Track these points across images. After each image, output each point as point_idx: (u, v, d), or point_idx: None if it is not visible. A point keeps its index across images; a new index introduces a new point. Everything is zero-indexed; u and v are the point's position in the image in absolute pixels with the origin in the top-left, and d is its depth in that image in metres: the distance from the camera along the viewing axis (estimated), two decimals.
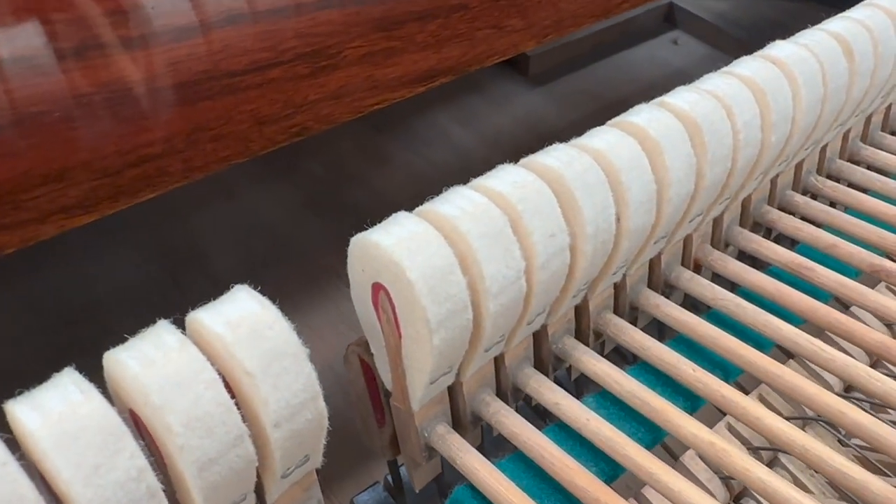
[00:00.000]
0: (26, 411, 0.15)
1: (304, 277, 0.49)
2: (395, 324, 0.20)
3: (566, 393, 0.24)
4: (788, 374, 0.24)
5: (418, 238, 0.19)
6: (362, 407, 0.24)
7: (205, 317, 0.17)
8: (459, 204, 0.20)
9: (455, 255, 0.19)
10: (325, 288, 0.49)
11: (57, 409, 0.15)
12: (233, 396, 0.17)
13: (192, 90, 0.21)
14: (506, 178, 0.20)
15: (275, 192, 0.58)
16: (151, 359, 0.16)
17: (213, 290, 0.25)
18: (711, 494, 0.25)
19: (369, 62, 0.24)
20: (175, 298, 0.34)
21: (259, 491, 0.19)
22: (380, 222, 0.27)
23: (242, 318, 0.17)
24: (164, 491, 0.16)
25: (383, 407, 0.24)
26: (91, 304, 0.33)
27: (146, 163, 0.21)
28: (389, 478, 0.26)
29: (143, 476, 0.15)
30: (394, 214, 0.20)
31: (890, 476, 0.24)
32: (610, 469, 0.23)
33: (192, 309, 0.17)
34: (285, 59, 0.22)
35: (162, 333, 0.17)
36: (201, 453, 0.16)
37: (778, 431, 0.22)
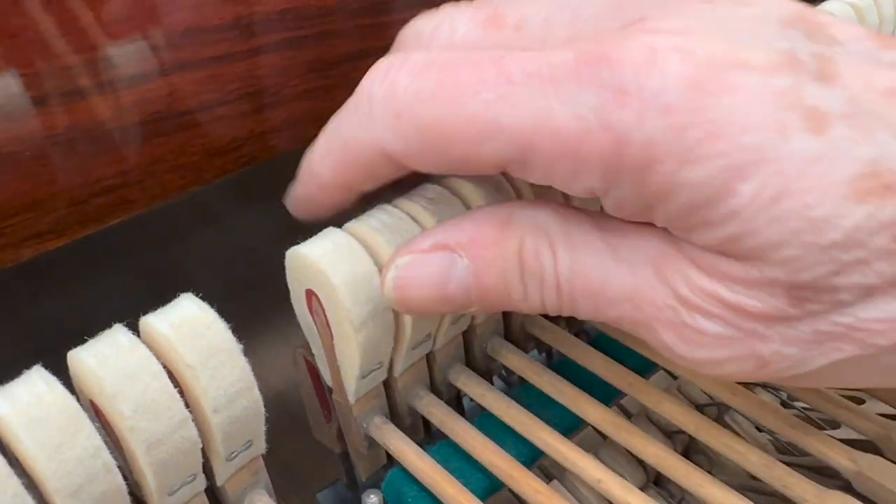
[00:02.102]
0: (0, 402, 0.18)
1: (284, 296, 0.52)
2: (327, 325, 0.22)
3: (490, 385, 0.27)
4: None
5: (342, 249, 0.21)
6: (311, 405, 0.27)
7: (153, 320, 0.20)
8: (380, 217, 0.23)
9: (375, 262, 0.22)
10: None
11: (25, 398, 0.18)
12: (177, 387, 0.20)
13: (148, 128, 0.24)
14: (421, 191, 0.24)
15: (256, 219, 0.60)
16: (106, 355, 0.19)
17: None
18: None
19: (309, 98, 0.27)
20: None
21: (209, 473, 0.22)
22: None
23: (184, 319, 0.20)
24: (119, 468, 0.19)
25: (329, 403, 0.26)
26: (84, 328, 0.36)
27: (110, 192, 0.24)
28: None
29: (98, 453, 0.18)
30: (324, 230, 0.23)
31: None
32: (529, 452, 0.26)
33: None
34: (230, 99, 0.25)
35: (116, 335, 0.20)
36: (149, 435, 0.19)
37: None
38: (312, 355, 0.25)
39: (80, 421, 0.18)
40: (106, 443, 0.19)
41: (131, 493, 0.20)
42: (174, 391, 0.19)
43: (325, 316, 0.22)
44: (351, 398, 0.24)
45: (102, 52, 0.22)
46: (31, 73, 0.21)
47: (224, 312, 0.27)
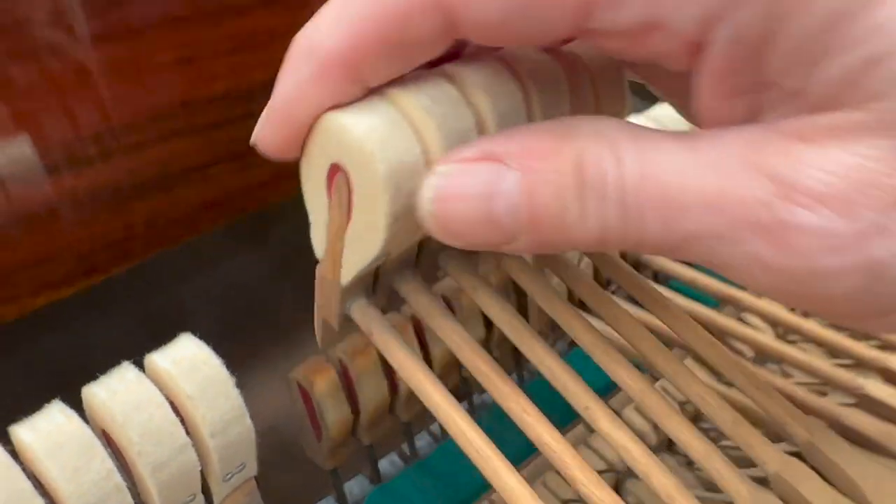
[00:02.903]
0: (24, 431, 0.21)
1: (276, 333, 0.54)
2: (347, 208, 0.19)
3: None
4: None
5: (391, 128, 0.17)
6: (304, 424, 0.30)
7: (156, 357, 0.23)
8: (430, 93, 0.18)
9: (422, 151, 0.18)
10: (294, 340, 0.54)
11: (46, 427, 0.21)
12: (178, 416, 0.22)
13: (147, 187, 0.27)
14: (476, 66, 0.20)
15: (249, 260, 0.63)
16: (115, 389, 0.22)
17: None
18: None
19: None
20: None
21: (207, 493, 0.25)
22: None
23: (184, 356, 0.23)
24: (129, 489, 0.22)
25: (319, 423, 0.29)
26: (86, 366, 0.38)
27: (113, 246, 0.27)
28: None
29: (111, 476, 0.21)
30: (368, 100, 0.18)
31: None
32: None
33: None
34: (222, 159, 0.29)
35: (124, 371, 0.23)
36: (154, 458, 0.22)
37: None
38: (307, 381, 0.28)
39: (94, 448, 0.21)
40: (117, 467, 0.21)
41: None
42: (176, 419, 0.22)
43: (350, 198, 0.18)
44: (344, 281, 0.21)
45: (107, 125, 0.25)
46: (45, 146, 0.24)
47: (219, 349, 0.30)
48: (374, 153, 0.17)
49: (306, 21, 0.16)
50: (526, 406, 0.21)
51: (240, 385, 0.24)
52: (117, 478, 0.21)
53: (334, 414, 0.29)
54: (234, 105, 0.27)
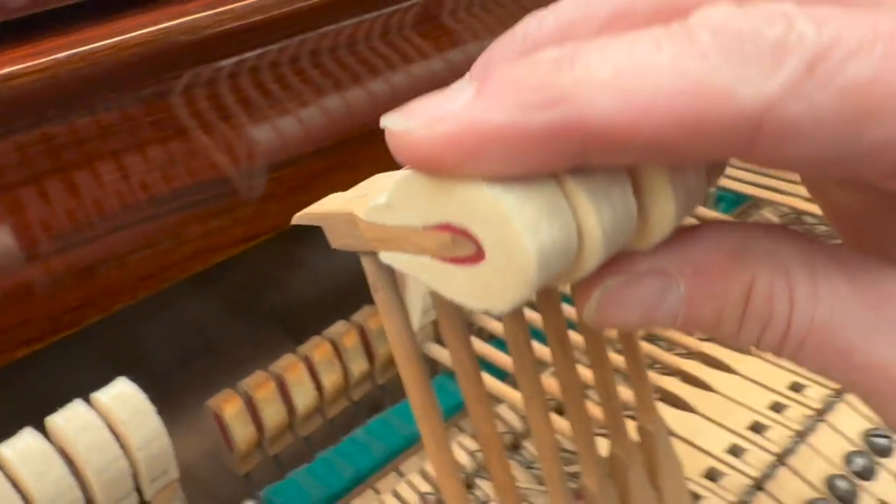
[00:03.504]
0: (3, 448, 0.30)
1: (228, 368, 0.64)
2: (456, 263, 0.16)
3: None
4: None
5: (543, 202, 0.15)
6: (220, 440, 0.40)
7: (99, 394, 0.32)
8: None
9: (575, 225, 0.15)
10: (246, 374, 0.64)
11: (20, 446, 0.30)
12: (115, 436, 0.32)
13: (102, 268, 0.37)
14: None
15: (204, 299, 0.73)
16: (68, 417, 0.31)
17: (153, 382, 0.41)
18: None
19: (207, 237, 0.40)
20: None
21: (140, 492, 0.34)
22: (294, 320, 0.42)
23: (119, 393, 0.32)
24: (80, 488, 0.31)
25: (229, 437, 0.39)
26: (55, 402, 0.48)
27: (79, 307, 0.37)
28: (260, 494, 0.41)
29: (66, 478, 0.31)
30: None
31: None
32: None
33: None
34: (155, 243, 0.38)
35: (76, 405, 0.32)
36: (96, 465, 0.31)
37: None
38: (218, 408, 0.38)
39: (54, 459, 0.30)
40: (70, 472, 0.31)
41: None
42: (112, 438, 0.32)
43: (470, 261, 0.16)
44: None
45: (71, 225, 0.35)
46: (30, 238, 0.34)
47: (176, 384, 0.40)
48: (521, 233, 0.14)
49: None
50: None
51: (195, 413, 0.33)
52: (71, 480, 0.31)
53: (241, 433, 0.38)
54: (162, 203, 0.37)
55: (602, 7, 0.15)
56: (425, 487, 0.40)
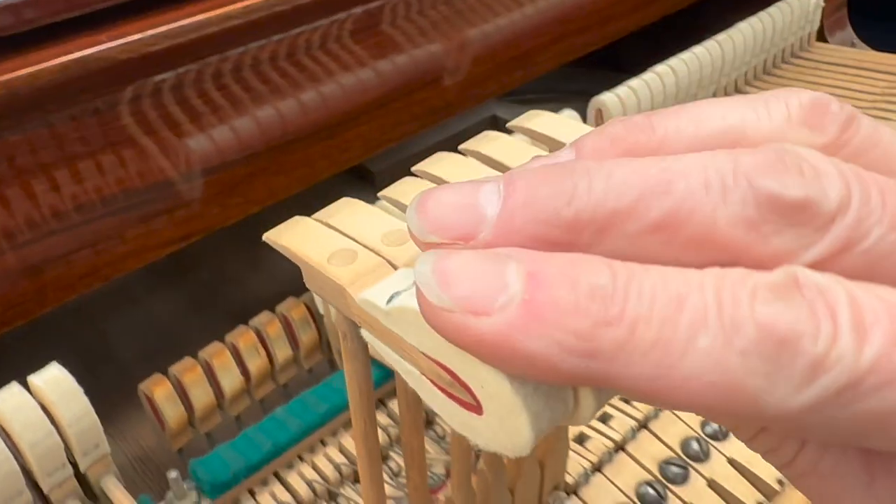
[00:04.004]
0: None
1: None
2: (452, 400, 0.16)
3: None
4: None
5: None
6: (154, 419, 0.44)
7: (33, 377, 0.37)
8: None
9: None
10: None
11: None
12: (48, 414, 0.36)
13: (52, 265, 0.41)
14: None
15: (168, 297, 0.77)
16: (4, 398, 0.36)
17: (120, 376, 0.45)
18: None
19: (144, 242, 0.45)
20: (90, 384, 0.42)
21: (76, 465, 0.39)
22: (254, 317, 0.47)
23: (51, 376, 0.37)
24: (17, 461, 0.36)
25: (160, 416, 0.43)
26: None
27: (22, 303, 0.41)
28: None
29: (3, 451, 0.35)
30: None
31: None
32: None
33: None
34: (92, 244, 0.43)
35: (12, 387, 0.36)
36: (30, 440, 0.36)
37: None
38: (149, 391, 0.42)
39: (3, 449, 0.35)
40: (8, 447, 0.35)
41: (27, 476, 0.36)
42: (44, 415, 0.36)
43: (464, 405, 0.16)
44: None
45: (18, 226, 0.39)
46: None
47: (141, 375, 0.45)
48: (523, 415, 0.14)
49: None
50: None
51: None
52: (8, 453, 0.35)
53: (171, 413, 0.43)
54: (94, 209, 0.42)
55: (660, 130, 0.15)
56: (341, 459, 0.44)
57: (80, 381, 0.37)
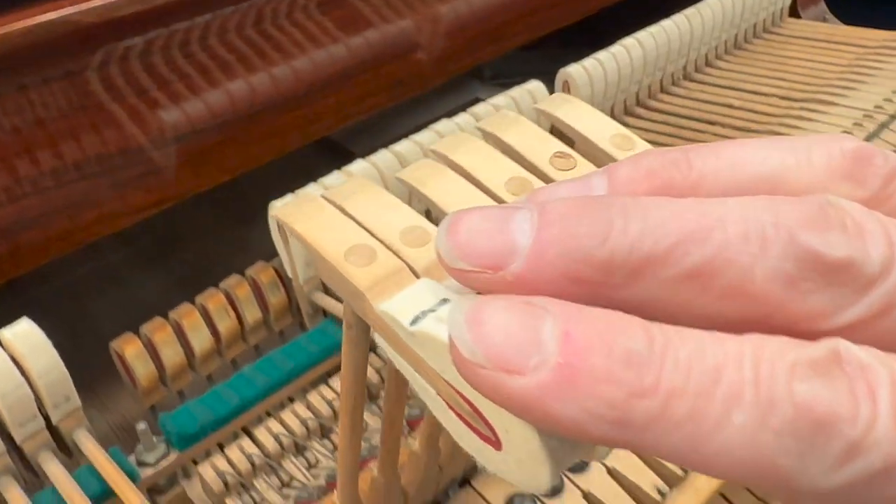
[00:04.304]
0: None
1: None
2: (462, 421, 0.16)
3: None
4: None
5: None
6: (126, 377, 0.45)
7: (4, 331, 0.38)
8: None
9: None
10: None
11: None
12: (19, 367, 0.38)
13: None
14: None
15: (155, 278, 0.79)
16: None
17: (104, 351, 0.46)
18: None
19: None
20: (78, 362, 0.43)
21: (48, 417, 0.40)
22: None
23: (20, 330, 0.38)
24: None
25: (131, 372, 0.44)
26: None
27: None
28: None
29: None
30: None
31: None
32: None
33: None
34: (64, 207, 0.44)
35: None
36: (3, 392, 0.37)
37: None
38: (119, 349, 0.44)
39: None
40: None
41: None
42: (13, 367, 0.37)
43: (483, 437, 0.16)
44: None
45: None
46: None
47: None
48: (545, 464, 0.14)
49: None
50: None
51: None
52: None
53: (141, 371, 0.44)
54: (60, 174, 0.43)
55: (696, 168, 0.15)
56: (307, 414, 0.46)
57: (66, 355, 0.39)
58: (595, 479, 0.38)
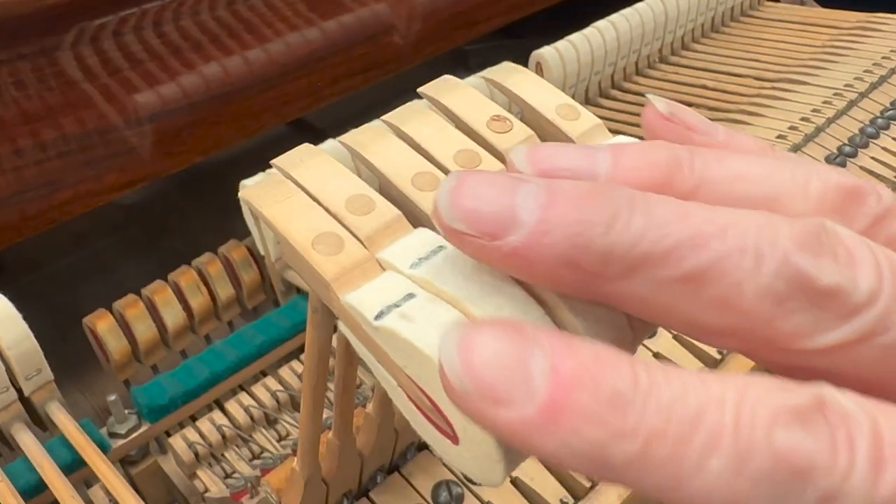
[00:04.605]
0: None
1: None
2: (414, 404, 0.17)
3: None
4: None
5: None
6: (99, 352, 0.46)
7: None
8: None
9: None
10: None
11: None
12: None
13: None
14: None
15: (142, 266, 0.80)
16: None
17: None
18: None
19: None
20: (62, 349, 0.44)
21: (19, 389, 0.41)
22: None
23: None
24: None
25: (103, 347, 0.45)
26: None
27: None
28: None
29: None
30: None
31: None
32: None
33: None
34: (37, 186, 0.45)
35: None
36: None
37: None
38: (92, 324, 0.44)
39: None
40: None
41: None
42: None
43: (441, 431, 0.16)
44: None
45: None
46: None
47: None
48: (491, 459, 0.15)
49: None
50: None
51: None
52: None
53: (114, 345, 0.45)
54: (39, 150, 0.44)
55: (697, 171, 0.15)
56: (277, 387, 0.47)
57: (54, 340, 0.39)
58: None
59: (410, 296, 0.16)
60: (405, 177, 0.22)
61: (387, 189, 0.22)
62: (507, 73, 0.28)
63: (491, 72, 0.29)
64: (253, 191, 0.21)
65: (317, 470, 0.32)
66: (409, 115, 0.24)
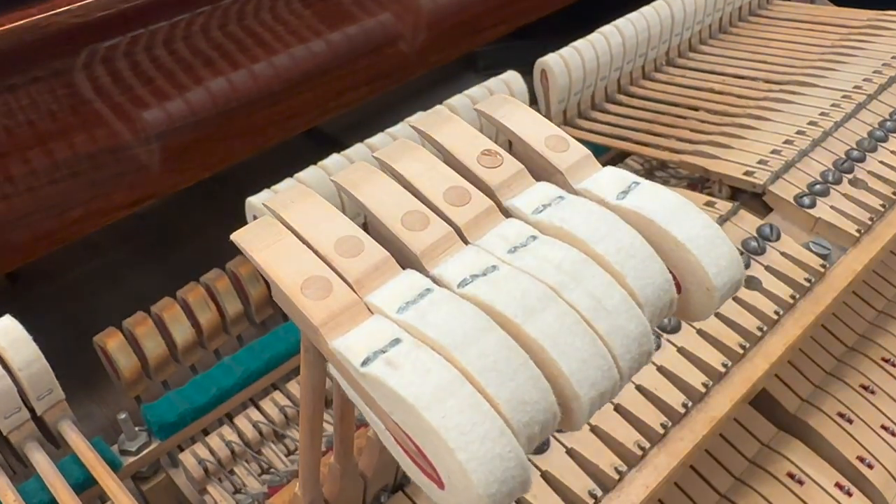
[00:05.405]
0: None
1: None
2: (398, 443, 0.18)
3: None
4: None
5: (478, 425, 0.16)
6: (110, 370, 0.47)
7: None
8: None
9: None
10: None
11: None
12: (1, 359, 0.39)
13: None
14: None
15: (154, 276, 0.81)
16: None
17: None
18: None
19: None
20: (77, 360, 0.46)
21: (32, 409, 0.42)
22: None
23: (5, 326, 0.40)
24: None
25: (115, 367, 0.46)
26: None
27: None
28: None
29: None
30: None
31: None
32: None
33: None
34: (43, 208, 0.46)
35: None
36: None
37: None
38: (102, 343, 0.45)
39: None
40: None
41: None
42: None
43: (427, 475, 0.17)
44: None
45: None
46: None
47: None
48: (465, 464, 0.16)
49: None
50: None
51: None
52: None
53: (124, 363, 0.46)
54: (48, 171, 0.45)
55: None
56: (285, 402, 0.47)
57: (68, 351, 0.40)
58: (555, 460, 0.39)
59: (397, 341, 0.17)
60: (395, 216, 0.22)
61: (376, 227, 0.23)
62: (498, 105, 0.28)
63: (483, 104, 0.29)
64: (244, 234, 0.22)
65: (319, 495, 0.32)
66: (401, 152, 0.25)
